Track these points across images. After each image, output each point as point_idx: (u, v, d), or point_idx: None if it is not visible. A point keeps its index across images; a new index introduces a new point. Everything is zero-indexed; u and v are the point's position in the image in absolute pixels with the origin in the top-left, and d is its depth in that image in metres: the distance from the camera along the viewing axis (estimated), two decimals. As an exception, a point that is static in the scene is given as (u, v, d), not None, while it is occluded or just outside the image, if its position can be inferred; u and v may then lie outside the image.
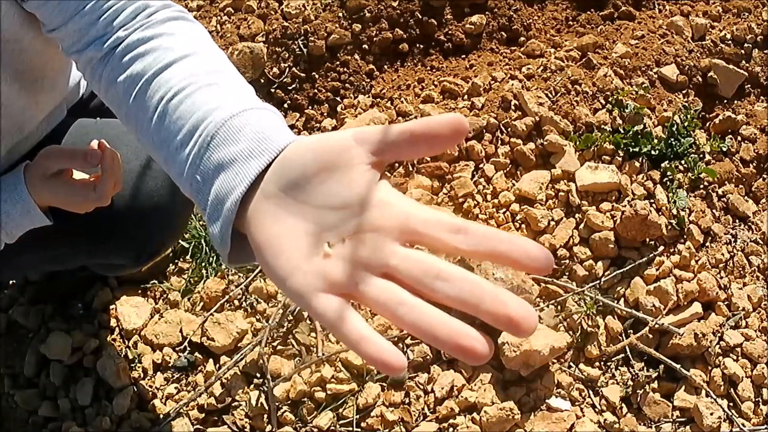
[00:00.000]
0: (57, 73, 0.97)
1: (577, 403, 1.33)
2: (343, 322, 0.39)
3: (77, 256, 1.18)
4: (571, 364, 1.36)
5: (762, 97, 1.70)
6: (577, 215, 1.45)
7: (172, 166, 0.55)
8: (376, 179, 0.43)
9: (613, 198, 1.45)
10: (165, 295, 1.49)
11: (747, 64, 1.69)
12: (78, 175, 0.96)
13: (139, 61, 0.61)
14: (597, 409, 1.33)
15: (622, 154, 1.50)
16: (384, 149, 0.44)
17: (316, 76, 1.71)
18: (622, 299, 1.40)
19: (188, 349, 1.41)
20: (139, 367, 1.41)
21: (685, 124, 1.53)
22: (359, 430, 1.29)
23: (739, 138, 1.62)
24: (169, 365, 1.40)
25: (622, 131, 1.52)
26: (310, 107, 1.70)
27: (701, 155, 1.54)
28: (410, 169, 1.54)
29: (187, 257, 1.52)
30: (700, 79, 1.66)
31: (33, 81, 0.90)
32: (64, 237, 1.08)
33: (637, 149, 1.49)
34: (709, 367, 1.36)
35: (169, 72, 0.59)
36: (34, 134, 1.03)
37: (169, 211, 1.12)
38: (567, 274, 1.42)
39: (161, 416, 1.35)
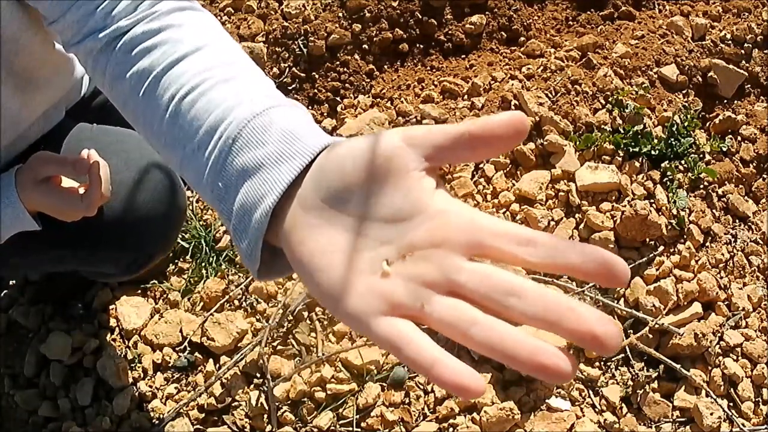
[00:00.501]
0: (53, 73, 0.97)
1: (577, 403, 1.33)
2: (411, 345, 0.36)
3: (67, 262, 1.18)
4: (571, 364, 1.36)
5: (762, 97, 1.70)
6: (577, 215, 1.45)
7: (189, 171, 0.50)
8: (433, 187, 0.39)
9: (613, 198, 1.45)
10: (165, 295, 1.49)
11: (747, 64, 1.69)
12: (67, 182, 0.96)
13: (147, 56, 0.57)
14: (597, 409, 1.33)
15: (622, 154, 1.50)
16: (438, 153, 0.39)
17: (316, 76, 1.71)
18: (622, 299, 1.40)
19: (188, 349, 1.41)
20: (139, 367, 1.41)
21: (685, 124, 1.53)
22: (359, 430, 1.29)
23: (739, 138, 1.62)
24: (169, 365, 1.40)
25: (622, 131, 1.52)
26: (310, 107, 1.70)
27: (701, 155, 1.54)
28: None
29: (187, 257, 1.52)
30: (700, 79, 1.66)
31: (28, 80, 0.90)
32: (54, 244, 1.08)
33: (637, 149, 1.49)
34: (709, 367, 1.36)
35: (180, 67, 0.55)
36: (29, 132, 1.03)
37: (159, 224, 1.11)
38: (567, 274, 1.42)
39: (161, 416, 1.35)
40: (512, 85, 1.59)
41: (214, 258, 1.52)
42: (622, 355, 1.37)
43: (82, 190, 0.95)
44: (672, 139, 1.50)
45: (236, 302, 1.45)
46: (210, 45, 0.57)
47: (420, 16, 1.74)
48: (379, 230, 0.39)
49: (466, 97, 1.63)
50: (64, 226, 0.98)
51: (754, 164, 1.60)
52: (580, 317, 0.33)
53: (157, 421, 1.35)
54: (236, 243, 0.46)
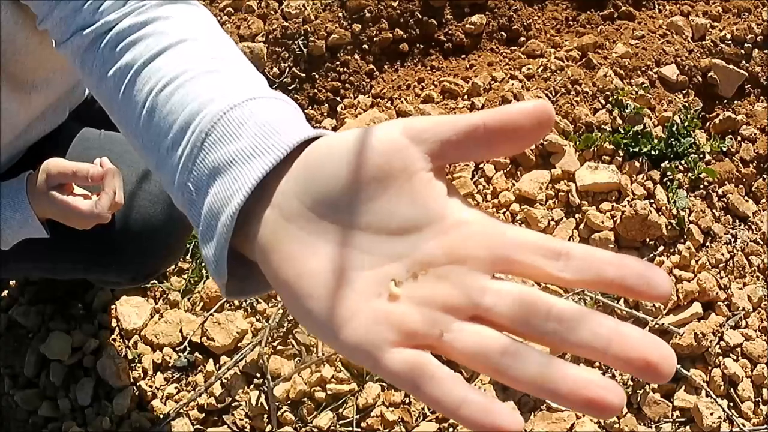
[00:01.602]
0: (52, 74, 0.96)
1: (577, 403, 1.33)
2: (433, 381, 0.30)
3: (74, 272, 1.18)
4: (571, 364, 1.36)
5: (762, 97, 1.70)
6: (577, 215, 1.45)
7: (163, 173, 0.43)
8: (444, 192, 0.33)
9: (613, 198, 1.45)
10: (165, 295, 1.49)
11: (747, 64, 1.69)
12: (79, 190, 0.97)
13: (131, 50, 0.51)
14: (597, 409, 1.33)
15: (622, 154, 1.50)
16: (447, 150, 0.33)
17: (316, 76, 1.71)
18: (622, 299, 1.40)
19: (188, 349, 1.41)
20: (139, 367, 1.41)
21: (685, 124, 1.53)
22: (359, 430, 1.29)
23: (739, 138, 1.62)
24: (169, 365, 1.40)
25: (622, 131, 1.52)
26: (310, 107, 1.70)
27: (701, 155, 1.54)
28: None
29: (187, 257, 1.52)
30: (700, 79, 1.66)
31: (25, 80, 0.90)
32: (63, 253, 1.08)
33: (637, 149, 1.49)
34: (709, 367, 1.36)
35: (161, 60, 0.48)
36: (30, 133, 1.02)
37: (166, 236, 1.11)
38: (567, 274, 1.42)
39: (161, 416, 1.35)
40: (512, 85, 1.59)
41: (214, 258, 1.52)
42: (622, 355, 1.37)
43: (95, 198, 0.95)
44: (672, 139, 1.51)
45: (236, 302, 1.45)
46: (197, 37, 0.51)
47: (420, 16, 1.74)
48: (382, 244, 0.33)
49: (466, 97, 1.63)
50: (74, 237, 0.99)
51: (754, 164, 1.60)
52: (631, 343, 0.29)
53: (157, 421, 1.35)
54: (203, 252, 0.39)
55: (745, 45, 1.68)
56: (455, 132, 0.33)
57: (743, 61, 1.68)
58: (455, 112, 1.59)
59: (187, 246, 1.53)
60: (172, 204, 1.19)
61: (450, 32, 1.76)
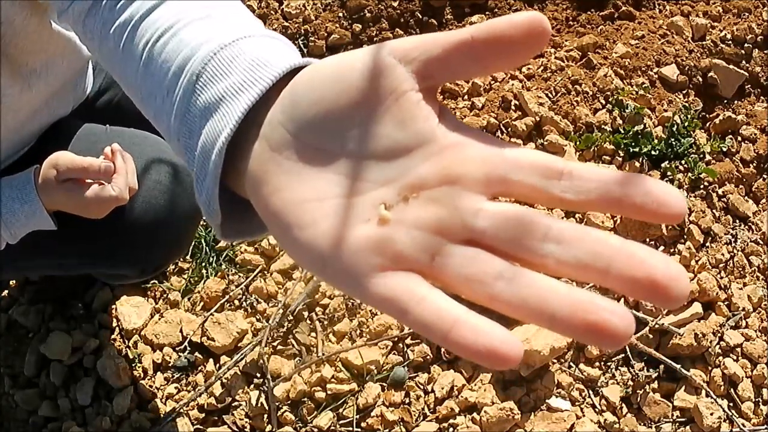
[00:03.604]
0: (53, 59, 0.96)
1: (577, 403, 1.33)
2: (423, 303, 0.28)
3: (82, 266, 1.18)
4: (571, 364, 1.36)
5: (762, 97, 1.70)
6: (577, 215, 1.46)
7: (161, 122, 0.43)
8: (435, 113, 0.32)
9: (613, 198, 1.46)
10: (165, 295, 1.49)
11: (747, 64, 1.68)
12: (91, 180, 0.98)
13: (129, 8, 0.51)
14: (597, 409, 1.33)
15: (622, 155, 1.50)
16: (436, 68, 0.31)
17: (316, 76, 1.71)
18: (622, 299, 1.40)
19: (188, 349, 1.41)
20: (139, 367, 1.41)
21: (685, 124, 1.53)
22: (359, 430, 1.29)
23: (740, 138, 1.62)
24: (169, 365, 1.40)
25: (622, 131, 1.52)
26: (310, 107, 1.70)
27: (701, 155, 1.54)
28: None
29: (187, 257, 1.52)
30: (700, 79, 1.66)
31: (24, 64, 0.90)
32: (69, 248, 1.08)
33: (637, 149, 1.49)
34: (709, 367, 1.36)
35: (158, 12, 0.48)
36: (32, 123, 1.02)
37: (172, 226, 1.11)
38: (567, 274, 1.42)
39: (161, 416, 1.35)
40: (512, 84, 1.59)
41: (214, 258, 1.52)
42: (622, 355, 1.37)
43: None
44: (672, 139, 1.51)
45: (236, 302, 1.45)
46: None
47: (420, 16, 1.74)
48: (371, 169, 0.31)
49: (466, 96, 1.63)
50: (76, 228, 0.99)
51: (754, 164, 1.60)
52: (636, 259, 0.26)
53: (157, 421, 1.35)
54: (197, 195, 0.38)
55: (746, 45, 1.68)
56: (443, 48, 0.31)
57: (743, 61, 1.68)
58: (455, 112, 1.59)
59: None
60: (177, 193, 1.19)
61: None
